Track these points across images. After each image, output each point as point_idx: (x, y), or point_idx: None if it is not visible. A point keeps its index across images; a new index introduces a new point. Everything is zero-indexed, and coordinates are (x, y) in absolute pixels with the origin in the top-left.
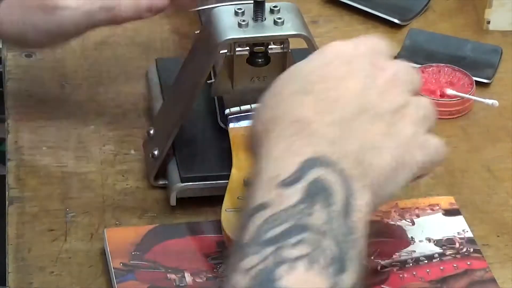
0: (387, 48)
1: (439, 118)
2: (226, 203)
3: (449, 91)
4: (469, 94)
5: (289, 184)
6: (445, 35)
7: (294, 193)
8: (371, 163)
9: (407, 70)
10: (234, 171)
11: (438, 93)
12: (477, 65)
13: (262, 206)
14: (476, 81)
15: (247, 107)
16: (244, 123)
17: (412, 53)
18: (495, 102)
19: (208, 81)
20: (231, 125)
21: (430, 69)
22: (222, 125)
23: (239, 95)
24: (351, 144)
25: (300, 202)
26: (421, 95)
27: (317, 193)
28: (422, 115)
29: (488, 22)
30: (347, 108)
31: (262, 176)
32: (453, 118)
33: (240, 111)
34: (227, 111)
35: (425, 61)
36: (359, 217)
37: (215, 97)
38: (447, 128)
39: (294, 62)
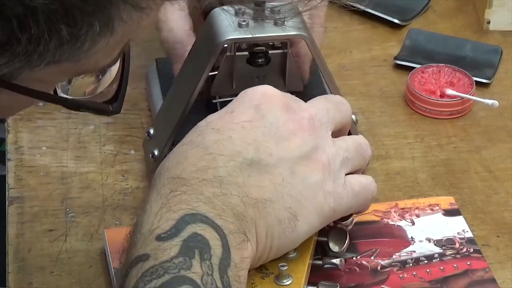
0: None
1: (440, 118)
2: None
3: (449, 91)
4: (469, 94)
5: (166, 239)
6: (445, 35)
7: (172, 247)
8: (255, 217)
9: (331, 108)
10: None
11: (438, 93)
12: (477, 65)
13: (143, 257)
14: (476, 81)
15: None
16: None
17: (412, 53)
18: (495, 102)
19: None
20: None
21: (430, 69)
22: None
23: None
24: (230, 200)
25: (178, 255)
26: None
27: (194, 247)
28: (342, 158)
29: (488, 22)
30: (233, 162)
31: (142, 229)
32: (453, 118)
33: None
34: None
35: (425, 61)
36: (235, 272)
37: (218, 103)
38: (447, 128)
39: (295, 63)
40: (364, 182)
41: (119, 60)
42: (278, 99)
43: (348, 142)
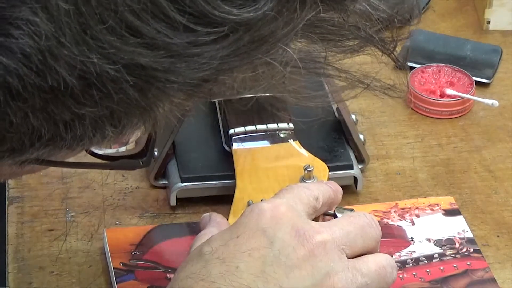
0: (315, 194)
1: (440, 118)
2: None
3: (449, 91)
4: (469, 94)
5: None
6: (445, 35)
7: None
8: None
9: (353, 231)
10: (237, 193)
11: (438, 93)
12: (477, 65)
13: None
14: (476, 81)
15: (252, 127)
16: (249, 145)
17: (412, 53)
18: (495, 102)
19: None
20: (235, 145)
21: (430, 69)
22: (226, 148)
23: (241, 111)
24: None
25: None
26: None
27: None
28: (359, 284)
29: (488, 22)
30: None
31: None
32: (453, 118)
33: (245, 132)
34: (231, 131)
35: (425, 61)
36: None
37: (219, 116)
38: (447, 128)
39: None
40: None
41: None
42: (287, 220)
43: (368, 264)
